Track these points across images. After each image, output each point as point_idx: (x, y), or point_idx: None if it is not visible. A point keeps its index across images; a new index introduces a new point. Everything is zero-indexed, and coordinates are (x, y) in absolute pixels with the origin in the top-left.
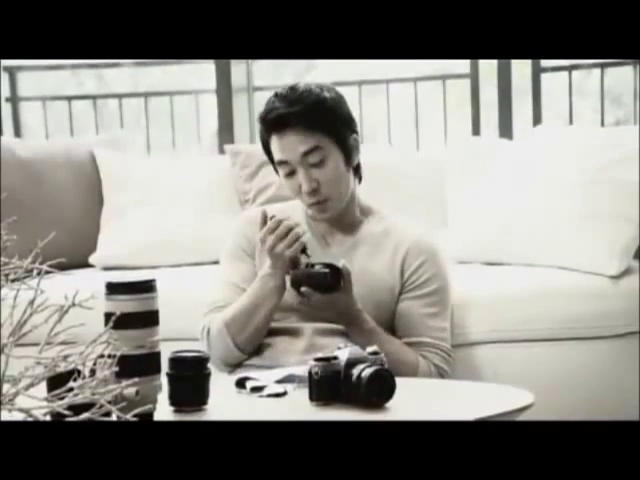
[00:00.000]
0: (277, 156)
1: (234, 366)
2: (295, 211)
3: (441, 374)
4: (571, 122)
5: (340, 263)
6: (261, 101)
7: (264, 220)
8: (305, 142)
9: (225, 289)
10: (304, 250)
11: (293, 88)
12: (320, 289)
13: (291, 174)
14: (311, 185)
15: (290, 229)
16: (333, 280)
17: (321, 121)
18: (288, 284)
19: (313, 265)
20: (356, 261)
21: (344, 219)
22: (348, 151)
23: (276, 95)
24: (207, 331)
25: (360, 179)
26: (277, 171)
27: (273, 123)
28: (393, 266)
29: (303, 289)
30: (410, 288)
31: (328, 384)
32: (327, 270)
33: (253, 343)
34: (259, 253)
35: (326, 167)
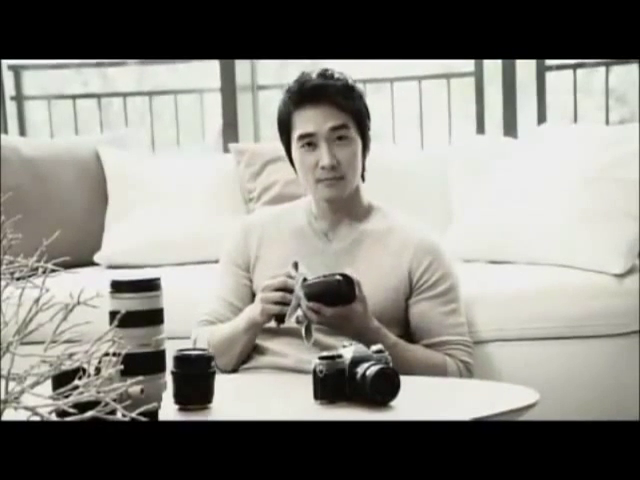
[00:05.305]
0: (302, 129)
1: (232, 371)
2: (298, 211)
3: (468, 369)
4: (576, 120)
5: (347, 271)
6: (265, 100)
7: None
8: (336, 117)
9: (215, 302)
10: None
11: (327, 69)
12: (334, 299)
13: (311, 148)
14: (332, 161)
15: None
16: (348, 289)
17: (352, 102)
18: (303, 300)
19: (325, 277)
20: (360, 256)
21: (347, 215)
22: (365, 141)
23: (305, 74)
24: (194, 343)
25: (363, 178)
26: (289, 154)
27: (308, 93)
28: (399, 265)
29: (311, 304)
30: (423, 289)
31: (333, 382)
32: (340, 277)
33: (234, 365)
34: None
35: (348, 147)
